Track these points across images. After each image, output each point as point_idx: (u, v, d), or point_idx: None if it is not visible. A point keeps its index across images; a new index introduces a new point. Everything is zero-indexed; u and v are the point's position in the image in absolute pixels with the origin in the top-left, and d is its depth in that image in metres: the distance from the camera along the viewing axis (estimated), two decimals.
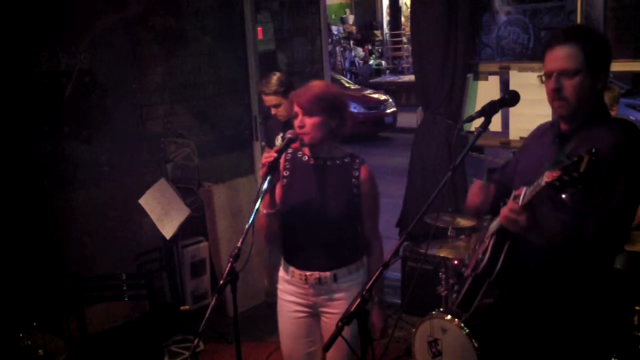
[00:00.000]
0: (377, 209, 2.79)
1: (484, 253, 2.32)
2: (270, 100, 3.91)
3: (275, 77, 3.88)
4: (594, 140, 1.99)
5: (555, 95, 2.13)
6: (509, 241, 2.23)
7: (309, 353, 2.84)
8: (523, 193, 1.96)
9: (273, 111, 3.96)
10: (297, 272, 2.74)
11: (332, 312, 2.73)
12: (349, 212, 2.68)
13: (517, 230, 2.01)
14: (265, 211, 2.63)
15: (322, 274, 2.69)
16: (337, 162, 2.70)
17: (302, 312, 2.79)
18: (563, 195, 1.96)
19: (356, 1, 21.54)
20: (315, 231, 2.67)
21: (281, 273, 2.85)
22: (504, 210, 2.01)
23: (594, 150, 1.73)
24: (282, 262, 2.84)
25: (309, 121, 2.59)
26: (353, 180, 2.67)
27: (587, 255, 2.08)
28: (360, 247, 2.79)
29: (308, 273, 2.71)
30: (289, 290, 2.80)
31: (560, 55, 2.11)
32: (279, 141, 3.92)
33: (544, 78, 2.17)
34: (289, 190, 2.71)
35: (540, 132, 2.39)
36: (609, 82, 2.43)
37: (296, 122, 2.62)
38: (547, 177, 1.81)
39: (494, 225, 2.32)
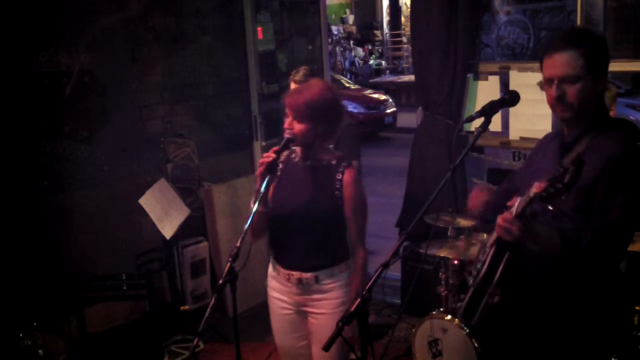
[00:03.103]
0: (362, 215, 2.73)
1: (483, 263, 2.32)
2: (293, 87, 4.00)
3: (303, 69, 3.99)
4: (595, 151, 1.99)
5: (558, 102, 2.11)
6: (508, 251, 2.22)
7: (300, 346, 2.88)
8: (517, 203, 1.98)
9: None
10: (282, 270, 2.77)
11: (316, 311, 2.75)
12: (332, 214, 2.67)
13: (511, 239, 2.01)
14: (258, 209, 2.62)
15: (304, 274, 2.70)
16: (324, 164, 2.71)
17: (288, 309, 2.83)
18: (550, 207, 1.97)
19: (356, 1, 21.52)
20: (300, 232, 2.68)
21: (269, 270, 2.88)
22: (499, 220, 2.01)
23: (579, 161, 1.79)
24: (271, 259, 2.87)
25: (297, 126, 2.61)
26: (336, 183, 2.66)
27: (583, 266, 2.07)
28: (345, 249, 2.77)
29: (291, 272, 2.73)
30: (276, 287, 2.84)
31: (561, 62, 2.08)
32: None
33: (542, 85, 2.16)
34: (278, 189, 2.73)
35: (545, 142, 2.39)
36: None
37: (285, 123, 2.64)
38: (535, 189, 1.87)
39: (494, 234, 2.31)
